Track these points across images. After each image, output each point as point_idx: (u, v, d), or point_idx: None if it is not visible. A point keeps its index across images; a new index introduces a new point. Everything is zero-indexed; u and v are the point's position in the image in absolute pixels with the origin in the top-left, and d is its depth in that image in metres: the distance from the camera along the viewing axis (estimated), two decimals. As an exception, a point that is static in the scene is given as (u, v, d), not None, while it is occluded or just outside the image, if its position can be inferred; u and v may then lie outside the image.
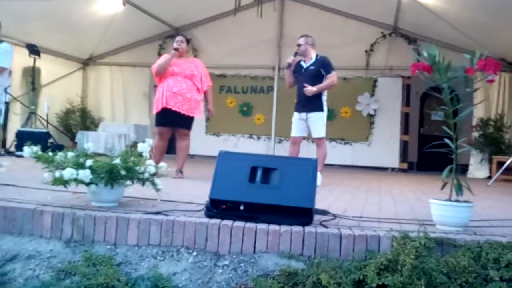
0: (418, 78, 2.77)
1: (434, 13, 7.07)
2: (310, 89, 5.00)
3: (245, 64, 9.26)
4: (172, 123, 5.13)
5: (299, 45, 5.25)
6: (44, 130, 7.97)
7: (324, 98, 5.18)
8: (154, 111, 5.22)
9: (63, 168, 2.63)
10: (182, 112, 5.05)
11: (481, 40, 6.89)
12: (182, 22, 9.50)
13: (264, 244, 2.41)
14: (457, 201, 2.59)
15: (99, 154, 3.22)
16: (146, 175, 2.86)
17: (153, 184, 2.91)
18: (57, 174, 2.61)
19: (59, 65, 9.37)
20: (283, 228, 2.43)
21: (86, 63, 10.21)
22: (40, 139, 7.20)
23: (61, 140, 8.83)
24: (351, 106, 9.01)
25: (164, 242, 2.48)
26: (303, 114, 5.19)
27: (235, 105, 9.56)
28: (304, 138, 5.39)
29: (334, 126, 8.86)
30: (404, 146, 9.00)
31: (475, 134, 8.14)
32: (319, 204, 3.11)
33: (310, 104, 5.11)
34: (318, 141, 5.20)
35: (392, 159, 8.88)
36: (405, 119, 9.04)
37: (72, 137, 9.32)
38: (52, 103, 8.85)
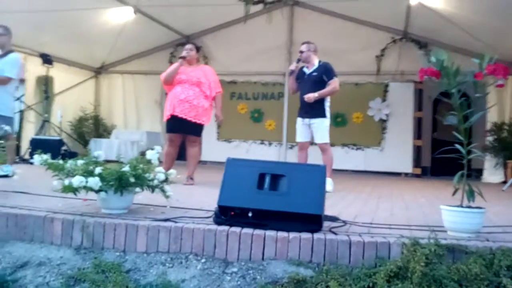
0: (430, 83, 2.74)
1: (443, 17, 7.03)
2: (311, 96, 5.01)
3: (255, 71, 9.28)
4: (181, 129, 5.16)
5: (301, 52, 5.27)
6: (58, 138, 8.09)
7: (327, 104, 5.17)
8: (164, 119, 5.28)
9: (73, 176, 2.66)
10: (189, 118, 5.08)
11: (492, 43, 6.82)
12: (193, 30, 9.58)
13: (273, 251, 2.40)
14: (469, 207, 2.55)
15: (112, 161, 3.25)
16: (156, 182, 2.88)
17: (163, 191, 2.93)
18: (66, 181, 2.64)
19: (72, 74, 9.50)
20: (292, 235, 2.41)
21: (98, 71, 10.33)
22: (53, 146, 7.32)
23: (75, 147, 8.94)
24: (363, 112, 8.96)
25: (173, 249, 2.48)
26: (306, 120, 5.19)
27: (246, 111, 9.58)
28: (311, 143, 5.38)
29: (346, 132, 8.89)
30: (417, 151, 8.93)
31: (489, 138, 8.03)
32: (329, 211, 3.09)
33: (313, 110, 5.11)
34: (322, 147, 5.17)
35: (405, 164, 8.80)
36: (418, 124, 8.98)
37: (86, 145, 9.42)
38: (65, 111, 8.99)
